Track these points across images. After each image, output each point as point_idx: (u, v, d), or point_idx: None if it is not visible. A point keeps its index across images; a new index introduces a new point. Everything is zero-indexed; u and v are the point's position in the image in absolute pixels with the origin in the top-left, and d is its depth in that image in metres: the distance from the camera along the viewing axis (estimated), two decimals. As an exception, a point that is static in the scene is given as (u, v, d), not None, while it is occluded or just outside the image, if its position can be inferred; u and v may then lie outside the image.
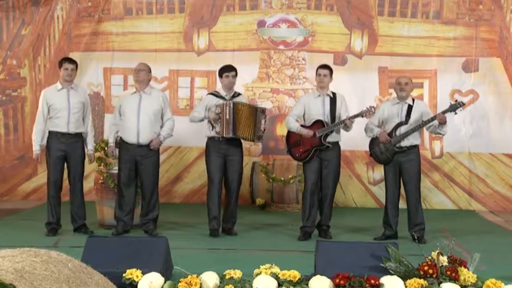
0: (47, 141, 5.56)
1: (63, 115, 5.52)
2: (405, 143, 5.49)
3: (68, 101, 5.56)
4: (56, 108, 5.52)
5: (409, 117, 5.50)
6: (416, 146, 5.58)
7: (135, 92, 5.66)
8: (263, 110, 5.74)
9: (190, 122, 5.90)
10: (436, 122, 5.42)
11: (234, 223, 5.78)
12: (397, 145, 5.48)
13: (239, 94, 5.88)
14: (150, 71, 5.71)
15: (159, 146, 5.65)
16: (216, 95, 5.80)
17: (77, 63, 5.74)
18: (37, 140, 5.57)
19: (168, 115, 5.68)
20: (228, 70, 5.77)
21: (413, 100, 5.62)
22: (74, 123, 5.57)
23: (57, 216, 5.56)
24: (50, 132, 5.56)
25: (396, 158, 5.52)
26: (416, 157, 5.57)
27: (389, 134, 5.54)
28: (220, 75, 5.79)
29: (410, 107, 5.53)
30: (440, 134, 5.66)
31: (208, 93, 6.02)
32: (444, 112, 5.43)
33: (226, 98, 5.73)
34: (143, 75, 5.61)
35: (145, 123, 5.53)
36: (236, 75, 5.80)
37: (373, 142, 5.67)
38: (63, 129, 5.53)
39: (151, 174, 5.63)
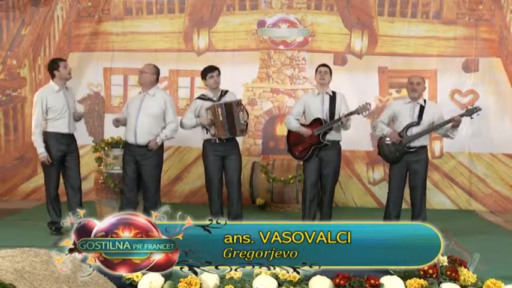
0: (46, 142, 5.48)
1: (64, 116, 5.51)
2: (415, 143, 5.48)
3: (67, 101, 5.56)
4: (57, 110, 5.48)
5: (421, 118, 5.48)
6: (425, 147, 5.57)
7: (140, 93, 5.68)
8: (238, 102, 5.64)
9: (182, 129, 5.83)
10: (449, 125, 5.42)
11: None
12: (407, 145, 5.47)
13: (226, 91, 5.82)
14: (155, 73, 5.66)
15: (156, 147, 5.59)
16: (204, 98, 5.77)
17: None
18: (41, 143, 5.47)
19: (170, 117, 5.63)
20: (211, 70, 5.70)
21: (424, 101, 5.62)
22: (73, 123, 5.61)
23: (60, 215, 5.53)
24: (48, 133, 5.49)
25: (405, 158, 5.50)
26: (425, 157, 5.56)
27: (400, 134, 5.52)
28: (204, 77, 5.71)
29: (422, 108, 5.51)
30: (450, 137, 5.61)
31: (196, 98, 5.95)
32: (461, 116, 5.43)
33: (214, 99, 5.70)
34: (144, 78, 5.62)
35: (143, 125, 5.52)
36: (219, 73, 5.75)
37: (382, 141, 5.66)
38: (65, 130, 5.52)
39: (152, 175, 5.62)
